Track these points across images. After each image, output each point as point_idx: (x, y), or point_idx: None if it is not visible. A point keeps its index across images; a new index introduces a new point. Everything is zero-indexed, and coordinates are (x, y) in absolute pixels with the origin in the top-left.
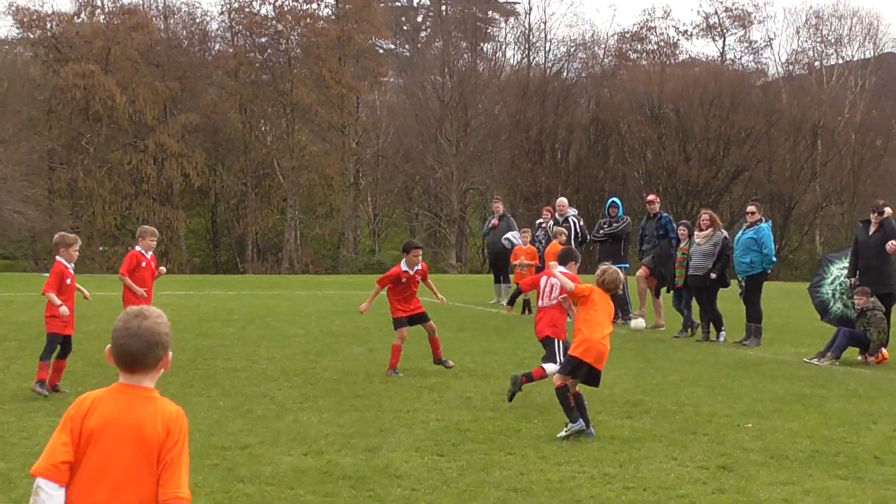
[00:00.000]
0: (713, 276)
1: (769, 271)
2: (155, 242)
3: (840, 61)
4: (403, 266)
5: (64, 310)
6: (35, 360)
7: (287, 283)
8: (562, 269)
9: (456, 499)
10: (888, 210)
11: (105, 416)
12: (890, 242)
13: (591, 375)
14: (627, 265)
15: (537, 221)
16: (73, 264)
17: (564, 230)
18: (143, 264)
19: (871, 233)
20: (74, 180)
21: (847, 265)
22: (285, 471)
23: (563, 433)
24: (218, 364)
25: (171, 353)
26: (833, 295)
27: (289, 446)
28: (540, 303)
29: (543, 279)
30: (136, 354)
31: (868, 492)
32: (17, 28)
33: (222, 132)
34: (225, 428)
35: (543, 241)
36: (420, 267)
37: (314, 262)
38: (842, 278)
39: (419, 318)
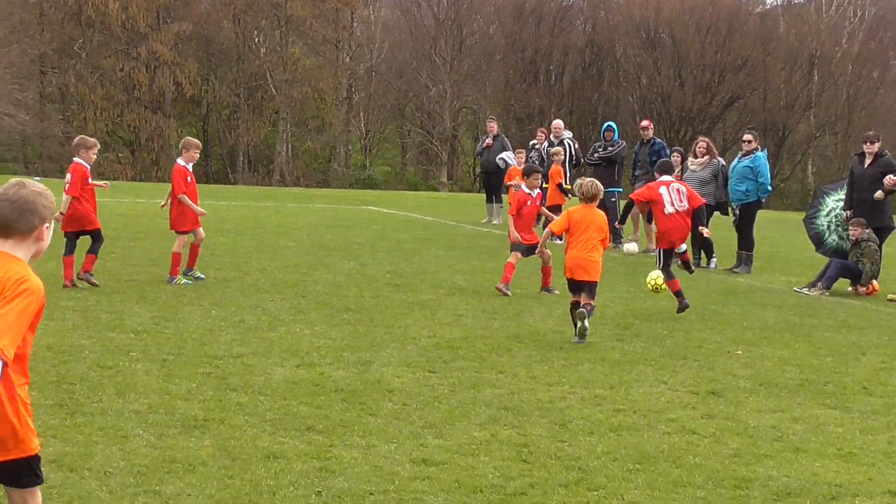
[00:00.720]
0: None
1: (763, 200)
2: (198, 155)
3: None
4: (525, 189)
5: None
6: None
7: (278, 195)
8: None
9: (447, 415)
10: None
11: None
12: (888, 177)
13: (589, 287)
14: (620, 189)
15: (531, 143)
16: (90, 165)
17: (561, 150)
18: (189, 179)
19: (866, 165)
20: (66, 85)
21: (843, 197)
22: (277, 381)
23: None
24: (209, 274)
25: (49, 227)
26: (828, 226)
27: (281, 357)
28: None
29: (663, 188)
30: (8, 219)
31: (856, 422)
32: None
33: (215, 42)
34: (217, 337)
35: (537, 162)
36: (539, 191)
37: (305, 175)
38: (837, 210)
39: (533, 250)
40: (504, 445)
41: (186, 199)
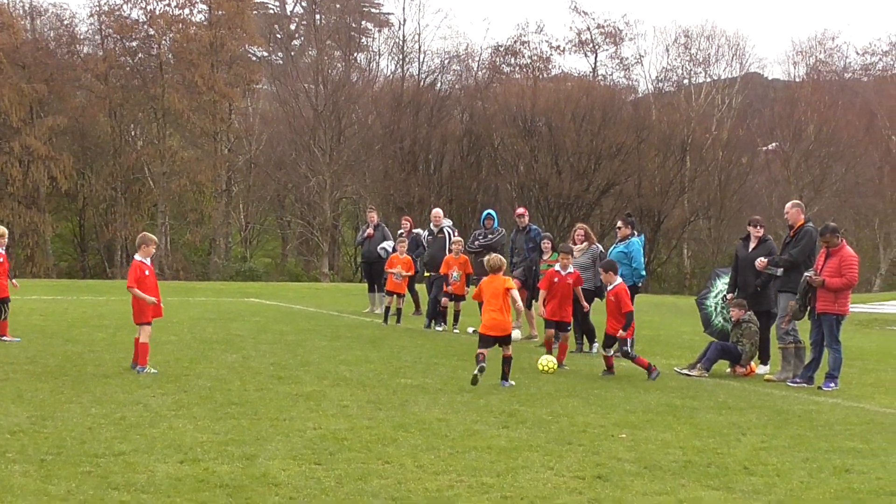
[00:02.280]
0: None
1: (640, 285)
2: (154, 249)
3: (708, 80)
4: (557, 268)
5: None
6: None
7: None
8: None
9: None
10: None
11: None
12: (759, 260)
13: (501, 340)
14: None
15: (399, 231)
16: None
17: (461, 240)
18: (147, 272)
19: (750, 249)
20: None
21: (725, 281)
22: (161, 478)
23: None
24: (89, 370)
25: None
26: (716, 308)
27: (164, 454)
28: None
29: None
30: None
31: (738, 502)
32: None
33: (91, 136)
34: (97, 435)
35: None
36: (572, 269)
37: (185, 268)
38: (725, 292)
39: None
40: None
41: (137, 291)
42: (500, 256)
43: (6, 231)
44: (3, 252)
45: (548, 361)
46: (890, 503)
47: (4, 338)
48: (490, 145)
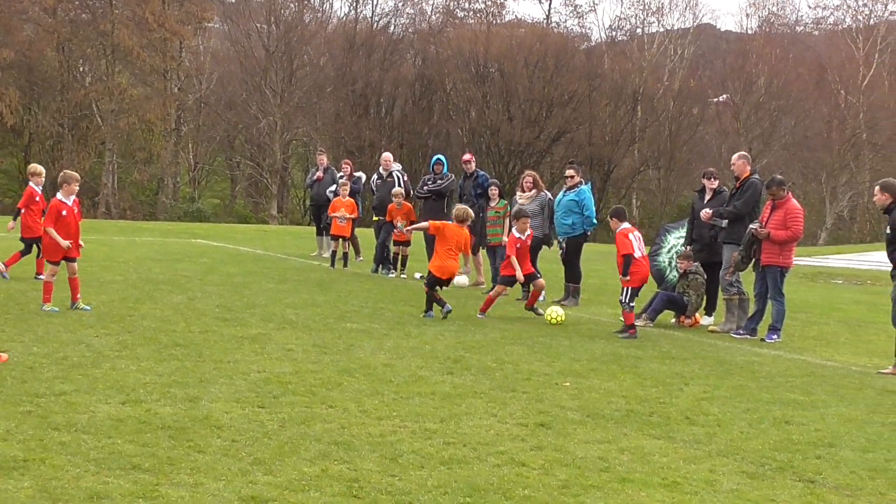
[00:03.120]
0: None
1: (590, 233)
2: (76, 187)
3: (661, 30)
4: (515, 233)
5: None
6: None
7: (104, 227)
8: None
9: (276, 451)
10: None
11: None
12: (703, 211)
13: (445, 283)
14: (450, 222)
15: (339, 175)
16: None
17: (402, 191)
18: (64, 212)
19: (705, 201)
20: None
21: (684, 235)
22: (102, 419)
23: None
24: (31, 308)
25: None
26: (669, 263)
27: (106, 394)
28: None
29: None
30: None
31: (680, 451)
32: None
33: (38, 71)
34: (39, 375)
35: (358, 191)
36: (529, 231)
37: (132, 207)
38: (678, 247)
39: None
40: (334, 481)
41: (52, 232)
42: (466, 208)
43: (43, 170)
44: (41, 192)
45: (556, 314)
46: (828, 454)
47: (40, 276)
48: (442, 90)
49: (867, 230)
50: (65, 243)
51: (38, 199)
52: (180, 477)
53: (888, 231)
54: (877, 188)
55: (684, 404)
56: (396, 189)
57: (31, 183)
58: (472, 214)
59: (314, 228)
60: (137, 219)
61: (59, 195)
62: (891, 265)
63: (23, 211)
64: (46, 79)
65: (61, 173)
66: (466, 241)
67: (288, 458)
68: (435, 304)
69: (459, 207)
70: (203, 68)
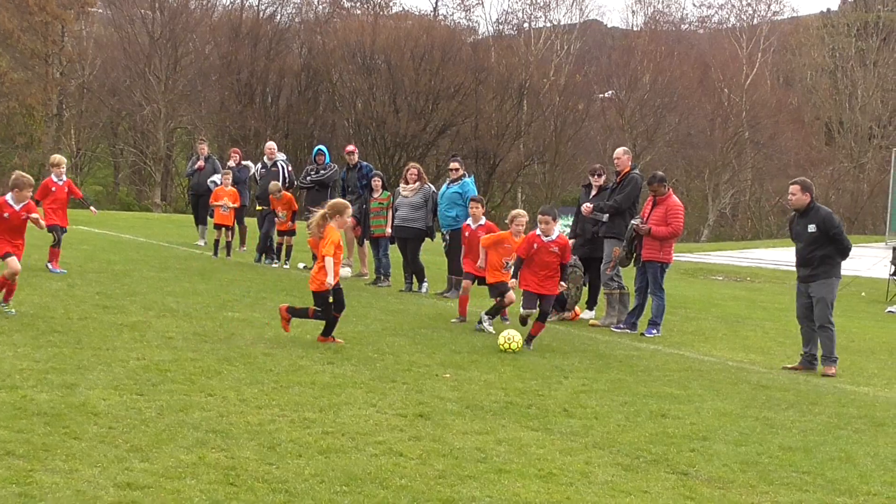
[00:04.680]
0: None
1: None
2: (30, 193)
3: (548, 25)
4: (468, 221)
5: None
6: None
7: None
8: None
9: (154, 439)
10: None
11: None
12: (584, 205)
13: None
14: None
15: (228, 164)
16: None
17: (278, 185)
18: (6, 215)
19: (591, 196)
20: None
21: (570, 223)
22: None
23: None
24: None
25: None
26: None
27: None
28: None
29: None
30: None
31: (556, 443)
32: None
33: None
34: None
35: (246, 182)
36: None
37: None
38: (563, 234)
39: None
40: (211, 469)
41: None
42: (339, 201)
43: (64, 160)
44: (62, 182)
45: (509, 340)
46: (702, 447)
47: (53, 268)
48: (328, 81)
49: (748, 227)
50: None
51: (54, 189)
52: (55, 463)
53: (811, 230)
54: (797, 188)
55: (562, 397)
56: (273, 184)
57: (52, 175)
58: (347, 205)
59: (176, 216)
60: None
61: (8, 197)
62: (795, 264)
63: (41, 203)
64: None
65: (14, 175)
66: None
67: (165, 446)
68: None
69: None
70: (86, 54)
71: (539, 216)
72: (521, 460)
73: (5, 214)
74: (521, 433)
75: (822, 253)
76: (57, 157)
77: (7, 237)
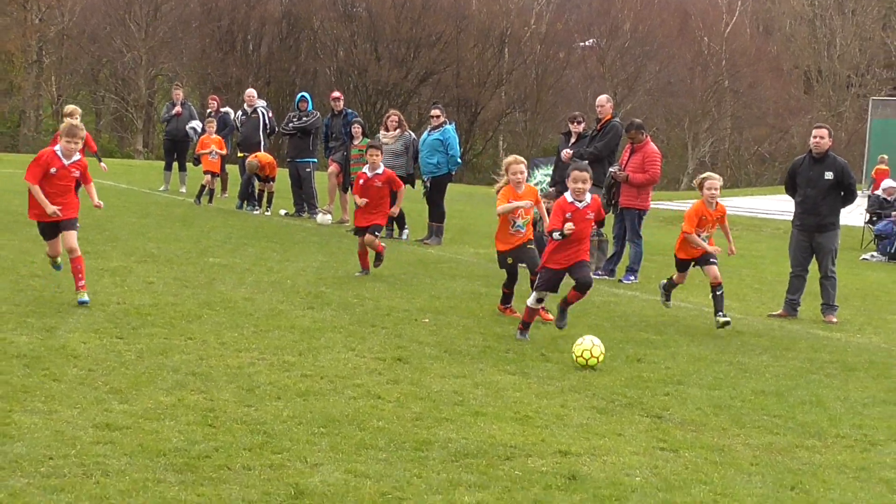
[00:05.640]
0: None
1: (454, 172)
2: (78, 145)
3: None
4: (364, 169)
5: None
6: None
7: None
8: None
9: (133, 381)
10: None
11: None
12: (564, 151)
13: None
14: (315, 160)
15: (206, 111)
16: None
17: (255, 164)
18: (54, 169)
19: (570, 144)
20: None
21: (550, 172)
22: None
23: None
24: None
25: None
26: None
27: None
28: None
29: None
30: None
31: (533, 386)
32: None
33: None
34: None
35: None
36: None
37: None
38: (545, 184)
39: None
40: (190, 410)
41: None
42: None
43: (81, 132)
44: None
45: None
46: (676, 391)
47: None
48: (310, 28)
49: (728, 176)
50: (51, 208)
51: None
52: (34, 404)
53: (828, 177)
54: (824, 132)
55: (540, 342)
56: (249, 164)
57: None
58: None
59: (161, 165)
60: None
61: (56, 147)
62: (799, 212)
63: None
64: None
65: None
66: None
67: (144, 388)
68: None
69: None
70: (65, 3)
71: (573, 173)
72: (498, 403)
73: (52, 170)
74: (499, 377)
75: (832, 202)
76: (71, 107)
77: (52, 196)
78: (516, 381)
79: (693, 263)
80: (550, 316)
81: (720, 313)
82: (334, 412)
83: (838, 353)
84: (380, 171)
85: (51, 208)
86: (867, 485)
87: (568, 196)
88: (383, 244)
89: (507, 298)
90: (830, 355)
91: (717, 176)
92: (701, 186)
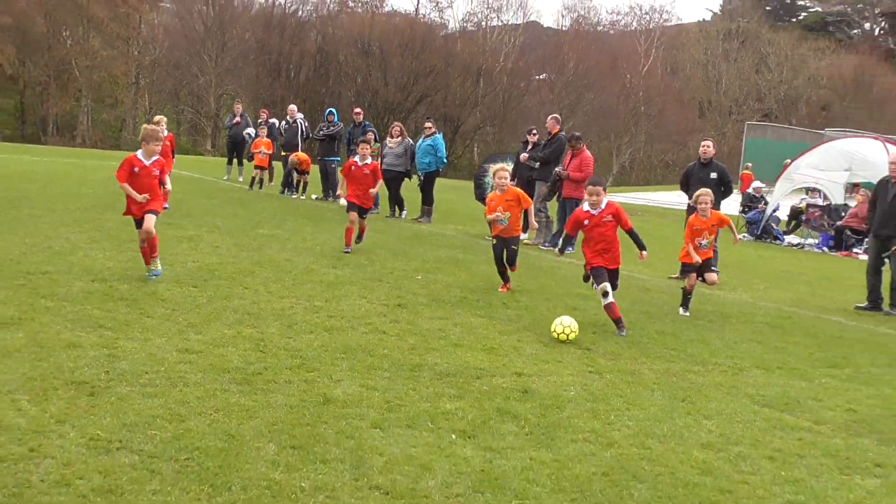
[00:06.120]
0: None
1: (441, 170)
2: (158, 147)
3: (500, 23)
4: (355, 158)
5: None
6: None
7: (80, 154)
8: None
9: (204, 318)
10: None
11: None
12: (522, 154)
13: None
14: (339, 158)
15: (258, 120)
16: None
17: (295, 160)
18: (136, 169)
19: (527, 150)
20: None
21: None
22: (76, 292)
23: None
24: (24, 212)
25: None
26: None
27: (80, 275)
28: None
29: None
30: None
31: (497, 326)
32: None
33: (30, 34)
34: (29, 259)
35: (275, 134)
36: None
37: (102, 140)
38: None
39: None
40: (246, 340)
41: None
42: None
43: (161, 133)
44: (150, 162)
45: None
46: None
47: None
48: (336, 61)
49: (641, 177)
50: (139, 196)
51: (137, 169)
52: (134, 334)
53: (713, 176)
54: (710, 143)
55: (502, 295)
56: (290, 160)
57: (139, 151)
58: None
59: (224, 161)
60: (106, 149)
61: (138, 152)
62: (878, 226)
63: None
64: (36, 40)
65: (143, 128)
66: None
67: (213, 324)
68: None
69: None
70: (157, 37)
71: (588, 188)
72: (471, 338)
73: (136, 169)
74: (472, 319)
75: (715, 195)
76: (158, 117)
77: (138, 192)
78: (485, 322)
79: (697, 270)
80: (506, 288)
81: (683, 308)
82: (351, 343)
83: (718, 306)
84: (368, 161)
85: (139, 197)
86: (735, 398)
87: (585, 206)
88: (367, 223)
89: (503, 278)
90: (713, 307)
91: (707, 191)
92: (696, 202)
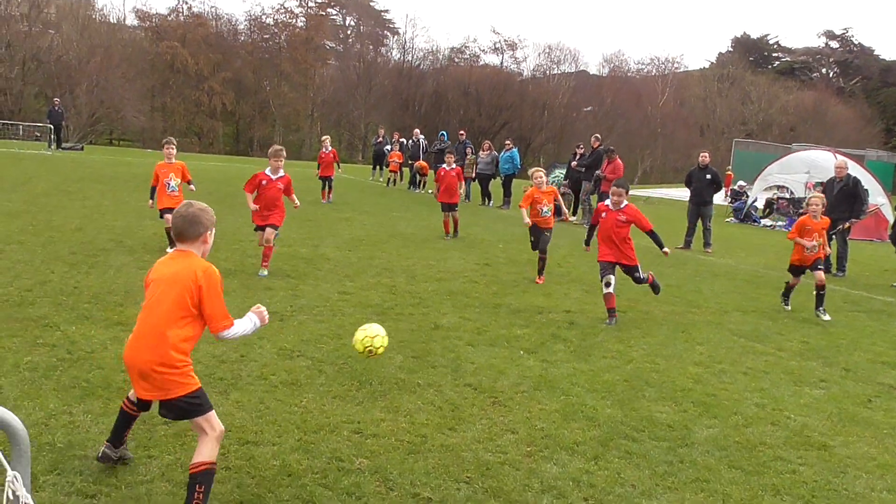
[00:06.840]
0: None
1: (517, 173)
2: (280, 162)
3: (559, 71)
4: (444, 166)
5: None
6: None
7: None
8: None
9: (356, 271)
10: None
11: (157, 270)
12: (573, 162)
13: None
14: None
15: (393, 140)
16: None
17: (419, 167)
18: (264, 182)
19: (576, 159)
20: (164, 103)
21: (562, 172)
22: (274, 259)
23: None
24: (238, 200)
25: (211, 233)
26: (554, 182)
27: (287, 243)
28: None
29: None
30: (180, 230)
31: (553, 279)
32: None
33: (243, 82)
34: (241, 231)
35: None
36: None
37: (288, 154)
38: (560, 177)
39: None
40: (383, 286)
41: (248, 195)
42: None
43: (281, 153)
44: (277, 177)
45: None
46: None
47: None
48: (446, 99)
49: (657, 178)
50: (253, 206)
51: (265, 182)
52: (308, 282)
53: (708, 177)
54: (707, 154)
55: (555, 256)
56: (416, 167)
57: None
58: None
59: (370, 167)
60: (290, 160)
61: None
62: (694, 197)
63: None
64: (247, 87)
65: (271, 148)
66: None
67: (361, 275)
68: None
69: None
70: (325, 84)
71: (613, 188)
72: (536, 287)
73: (263, 182)
74: (535, 276)
75: (710, 191)
76: (321, 143)
77: (261, 208)
78: (545, 276)
79: (805, 270)
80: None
81: (820, 309)
82: (453, 288)
83: (711, 267)
84: (454, 165)
85: (253, 206)
86: (720, 331)
87: (607, 202)
88: (458, 215)
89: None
90: (707, 269)
91: (819, 195)
92: (808, 204)
